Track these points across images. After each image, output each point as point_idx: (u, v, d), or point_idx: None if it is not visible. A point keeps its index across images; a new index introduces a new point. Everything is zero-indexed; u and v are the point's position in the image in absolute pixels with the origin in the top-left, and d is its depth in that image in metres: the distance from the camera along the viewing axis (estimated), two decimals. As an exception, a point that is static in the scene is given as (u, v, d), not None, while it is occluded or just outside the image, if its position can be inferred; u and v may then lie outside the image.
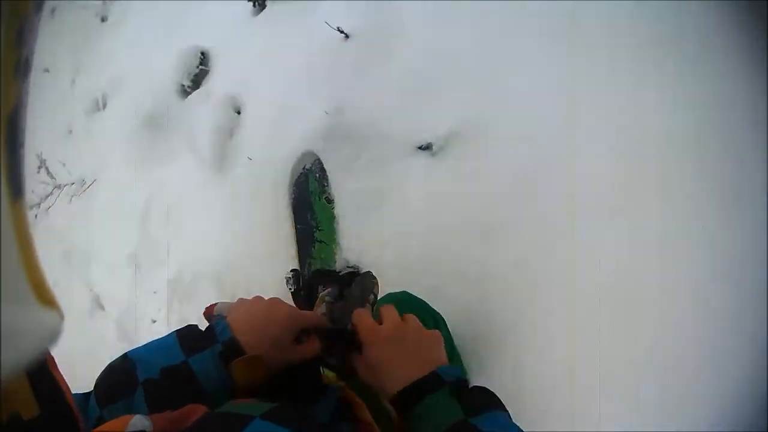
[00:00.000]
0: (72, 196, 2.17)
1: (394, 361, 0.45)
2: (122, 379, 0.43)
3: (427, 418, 0.41)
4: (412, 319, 0.50)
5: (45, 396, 0.29)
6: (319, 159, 1.31)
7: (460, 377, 0.45)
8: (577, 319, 1.00)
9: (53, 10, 2.68)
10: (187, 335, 0.46)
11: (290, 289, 1.21)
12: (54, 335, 0.19)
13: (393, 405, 0.45)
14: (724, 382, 0.86)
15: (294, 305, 0.53)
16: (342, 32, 1.34)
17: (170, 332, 0.48)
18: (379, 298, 0.61)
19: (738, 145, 0.90)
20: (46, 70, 2.66)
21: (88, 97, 2.29)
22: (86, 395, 0.44)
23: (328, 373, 0.59)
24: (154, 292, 1.69)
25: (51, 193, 2.27)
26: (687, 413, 0.88)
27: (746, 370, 0.85)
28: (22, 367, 0.17)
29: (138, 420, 0.35)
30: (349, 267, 1.22)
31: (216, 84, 1.72)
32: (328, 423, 0.48)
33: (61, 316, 0.19)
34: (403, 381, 0.44)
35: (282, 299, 0.51)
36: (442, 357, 0.48)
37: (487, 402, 0.43)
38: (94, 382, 0.44)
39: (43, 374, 0.31)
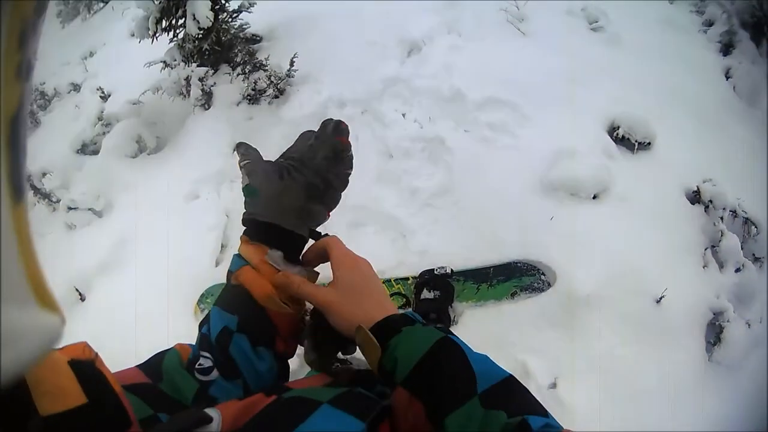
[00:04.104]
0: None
1: (365, 290, 0.42)
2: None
3: (408, 342, 0.38)
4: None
5: (91, 386, 0.30)
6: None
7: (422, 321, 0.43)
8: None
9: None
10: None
11: None
12: (54, 338, 0.19)
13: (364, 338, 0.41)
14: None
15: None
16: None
17: None
18: None
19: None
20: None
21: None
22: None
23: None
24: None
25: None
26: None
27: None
28: (22, 369, 0.17)
29: (208, 410, 0.35)
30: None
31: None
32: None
33: (62, 319, 0.19)
34: (376, 314, 0.41)
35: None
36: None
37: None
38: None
39: (86, 368, 0.32)
